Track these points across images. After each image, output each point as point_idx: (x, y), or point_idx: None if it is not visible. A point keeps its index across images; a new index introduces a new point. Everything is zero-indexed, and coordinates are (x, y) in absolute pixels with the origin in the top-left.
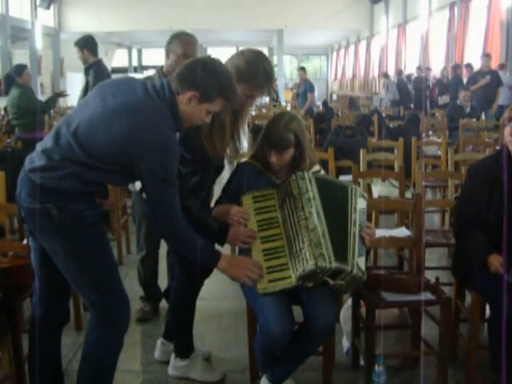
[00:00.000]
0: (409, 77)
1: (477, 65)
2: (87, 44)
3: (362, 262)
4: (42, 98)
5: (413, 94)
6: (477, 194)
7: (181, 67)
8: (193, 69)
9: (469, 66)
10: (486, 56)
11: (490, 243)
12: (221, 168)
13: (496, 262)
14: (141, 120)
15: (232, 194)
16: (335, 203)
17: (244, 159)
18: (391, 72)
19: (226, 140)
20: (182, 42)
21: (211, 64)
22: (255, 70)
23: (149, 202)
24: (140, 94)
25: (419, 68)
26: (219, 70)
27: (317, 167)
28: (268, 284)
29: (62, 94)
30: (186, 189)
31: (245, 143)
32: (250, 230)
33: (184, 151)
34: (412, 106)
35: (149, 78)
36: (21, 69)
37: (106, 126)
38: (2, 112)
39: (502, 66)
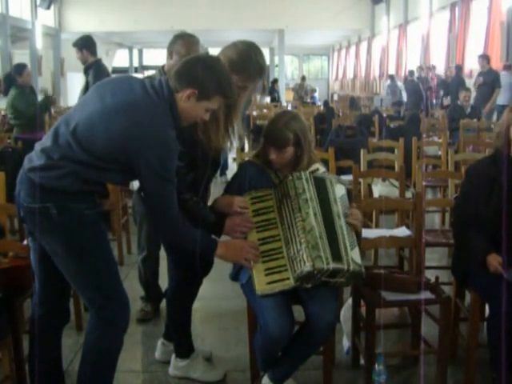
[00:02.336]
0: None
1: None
2: (86, 44)
3: (356, 254)
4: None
5: (424, 96)
6: (475, 193)
7: (179, 65)
8: (191, 66)
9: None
10: (482, 57)
11: (488, 243)
12: (217, 164)
13: (495, 261)
14: (139, 117)
15: (233, 194)
16: (326, 200)
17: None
18: (391, 72)
19: (221, 131)
20: (186, 43)
21: (209, 62)
22: (247, 60)
23: (146, 200)
24: (138, 91)
25: (420, 67)
26: (217, 68)
27: (315, 166)
28: (266, 286)
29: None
30: (183, 183)
31: (239, 139)
32: (246, 220)
33: (180, 144)
34: (422, 106)
35: (150, 77)
36: (21, 68)
37: (104, 124)
38: (3, 112)
39: (506, 67)
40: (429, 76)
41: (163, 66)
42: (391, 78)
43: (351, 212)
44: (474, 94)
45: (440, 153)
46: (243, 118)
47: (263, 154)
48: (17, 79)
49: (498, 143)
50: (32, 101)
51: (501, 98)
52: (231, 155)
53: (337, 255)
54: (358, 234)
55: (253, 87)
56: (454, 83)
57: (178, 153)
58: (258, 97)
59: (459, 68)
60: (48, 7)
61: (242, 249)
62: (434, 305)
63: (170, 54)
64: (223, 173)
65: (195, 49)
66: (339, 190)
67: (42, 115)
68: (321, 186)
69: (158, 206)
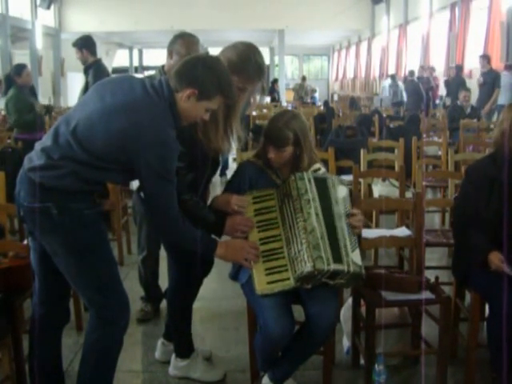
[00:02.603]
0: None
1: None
2: (86, 44)
3: (356, 256)
4: (41, 98)
5: (424, 96)
6: (475, 193)
7: (179, 65)
8: (191, 66)
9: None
10: (483, 57)
11: (489, 242)
12: (217, 164)
13: (496, 259)
14: (140, 117)
15: (232, 193)
16: (327, 200)
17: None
18: (392, 72)
19: (220, 132)
20: (186, 43)
21: (210, 61)
22: (247, 62)
23: (146, 200)
24: (139, 91)
25: (422, 67)
26: (218, 68)
27: (316, 165)
28: (266, 285)
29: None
30: (183, 184)
31: (239, 140)
32: (246, 219)
33: (180, 145)
34: (422, 107)
35: (150, 77)
36: (20, 69)
37: (105, 124)
38: (3, 112)
39: (507, 67)
40: (431, 76)
41: (163, 66)
42: (392, 77)
43: (353, 213)
44: (477, 94)
45: (440, 153)
46: (242, 118)
47: (263, 154)
48: (16, 80)
49: (500, 140)
50: (29, 102)
51: (502, 98)
52: (231, 155)
53: (337, 256)
54: (359, 236)
55: (252, 89)
56: (455, 83)
57: (179, 153)
58: (258, 97)
59: (460, 68)
60: (48, 7)
61: (241, 248)
62: (434, 305)
63: (169, 54)
64: (223, 173)
65: (195, 48)
66: (341, 192)
67: (42, 117)
68: (322, 186)
69: (157, 206)
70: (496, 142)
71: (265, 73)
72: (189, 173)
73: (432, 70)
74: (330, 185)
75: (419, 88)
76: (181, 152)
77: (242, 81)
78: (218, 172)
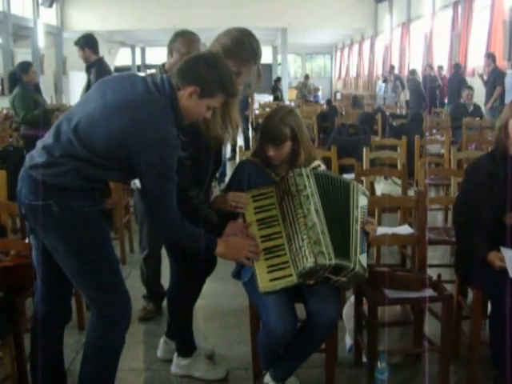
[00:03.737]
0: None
1: (481, 63)
2: (88, 43)
3: (363, 259)
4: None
5: (426, 95)
6: (475, 192)
7: (181, 62)
8: (194, 64)
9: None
10: (487, 56)
11: (489, 240)
12: (219, 158)
13: (496, 259)
14: (141, 114)
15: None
16: (336, 199)
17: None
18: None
19: (218, 120)
20: (187, 41)
21: (212, 59)
22: (241, 45)
23: (145, 198)
24: (140, 89)
25: (429, 66)
26: (220, 66)
27: (316, 162)
28: (269, 283)
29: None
30: (187, 178)
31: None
32: (250, 237)
33: (182, 135)
34: (425, 106)
35: (151, 75)
36: (26, 66)
37: (106, 122)
38: (5, 111)
39: None
40: (439, 75)
41: (163, 64)
42: (391, 72)
43: (369, 221)
44: (479, 92)
45: (443, 151)
46: (243, 101)
47: (261, 152)
48: (22, 78)
49: (498, 137)
50: (34, 99)
51: (508, 97)
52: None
53: (344, 253)
54: (369, 243)
55: (247, 71)
56: (454, 82)
57: (181, 143)
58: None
59: (458, 66)
60: (50, 5)
61: (242, 247)
62: (436, 302)
63: (170, 52)
64: (222, 180)
65: (195, 47)
66: (362, 200)
67: (47, 115)
68: (343, 188)
69: (157, 205)
70: (495, 138)
71: (260, 55)
72: (193, 165)
73: (440, 68)
74: (353, 190)
75: (420, 87)
76: (184, 142)
77: (237, 64)
78: (218, 174)
